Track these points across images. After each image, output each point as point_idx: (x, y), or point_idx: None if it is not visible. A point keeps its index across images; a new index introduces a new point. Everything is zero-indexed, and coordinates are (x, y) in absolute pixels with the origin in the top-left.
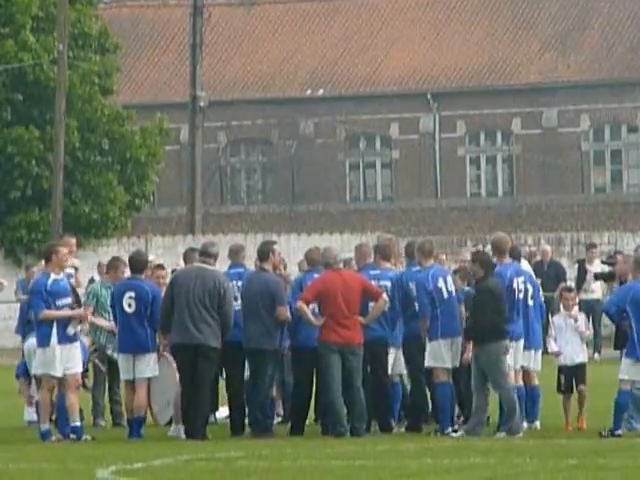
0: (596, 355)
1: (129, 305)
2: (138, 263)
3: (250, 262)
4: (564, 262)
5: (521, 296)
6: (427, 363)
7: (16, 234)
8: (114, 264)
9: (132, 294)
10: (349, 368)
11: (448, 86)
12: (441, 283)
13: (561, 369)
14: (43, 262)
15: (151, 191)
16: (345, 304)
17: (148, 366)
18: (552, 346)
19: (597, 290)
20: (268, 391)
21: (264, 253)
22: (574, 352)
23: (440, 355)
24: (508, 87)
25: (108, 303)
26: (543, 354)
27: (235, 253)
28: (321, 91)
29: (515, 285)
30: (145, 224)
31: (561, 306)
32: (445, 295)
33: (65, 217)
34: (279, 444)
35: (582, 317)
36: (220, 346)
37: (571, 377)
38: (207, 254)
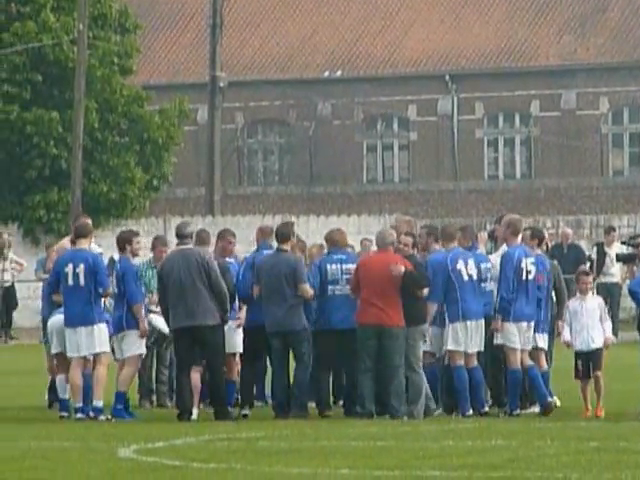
0: (614, 338)
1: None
2: (120, 240)
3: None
4: (583, 245)
5: (530, 277)
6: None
7: (35, 214)
8: (153, 243)
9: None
10: (384, 349)
11: (467, 68)
12: (460, 265)
13: (578, 355)
14: (65, 240)
15: (169, 172)
16: (380, 285)
17: (126, 345)
18: (565, 334)
19: (616, 273)
20: (307, 371)
21: (284, 234)
22: (590, 337)
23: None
24: (527, 69)
25: (153, 283)
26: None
27: (265, 234)
28: (339, 72)
29: (524, 266)
30: (163, 204)
31: (577, 290)
32: (465, 278)
33: (84, 197)
34: (300, 425)
35: (599, 301)
36: (220, 322)
37: (587, 363)
38: (182, 236)
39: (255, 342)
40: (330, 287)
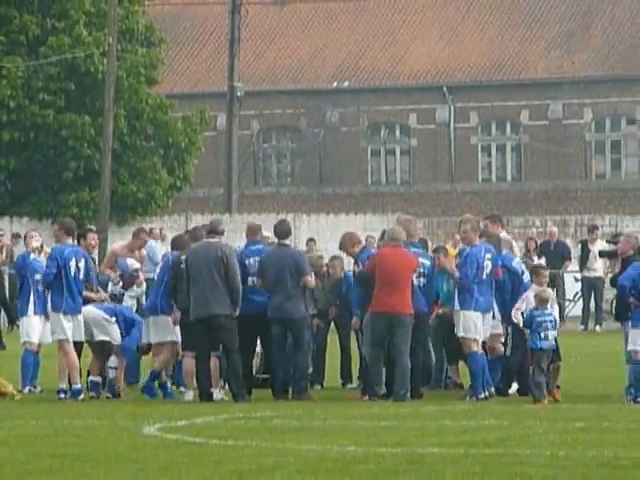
0: (597, 327)
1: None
2: (177, 242)
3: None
4: (569, 242)
5: (487, 272)
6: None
7: (68, 211)
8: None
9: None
10: (395, 336)
11: (463, 80)
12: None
13: None
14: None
15: (191, 174)
16: (392, 277)
17: (160, 329)
18: (518, 318)
19: (599, 268)
20: (307, 355)
21: (284, 231)
22: None
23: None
24: (517, 81)
25: None
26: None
27: (253, 231)
28: (346, 83)
29: (483, 262)
30: (185, 203)
31: (534, 282)
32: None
33: (113, 196)
34: (310, 405)
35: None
36: (234, 313)
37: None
38: (215, 232)
39: (250, 330)
40: None
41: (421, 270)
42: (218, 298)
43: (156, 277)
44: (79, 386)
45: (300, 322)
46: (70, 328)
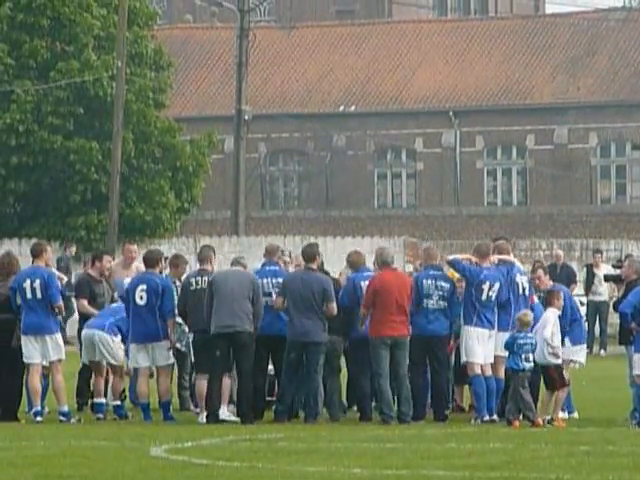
0: (602, 351)
1: (140, 297)
2: (150, 259)
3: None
4: (574, 266)
5: (492, 294)
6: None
7: (76, 234)
8: (175, 261)
9: (144, 287)
10: (397, 359)
11: (468, 104)
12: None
13: (554, 367)
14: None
15: (199, 196)
16: (397, 300)
17: (162, 354)
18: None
19: (604, 292)
20: (319, 380)
21: (312, 255)
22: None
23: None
24: (523, 106)
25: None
26: None
27: (271, 253)
28: (353, 107)
29: (485, 286)
30: (193, 226)
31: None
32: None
33: (121, 219)
34: (316, 427)
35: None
36: (254, 332)
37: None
38: (239, 264)
39: (262, 351)
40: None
41: (440, 293)
42: (246, 316)
43: (143, 302)
44: (39, 408)
45: (321, 346)
46: (35, 349)
